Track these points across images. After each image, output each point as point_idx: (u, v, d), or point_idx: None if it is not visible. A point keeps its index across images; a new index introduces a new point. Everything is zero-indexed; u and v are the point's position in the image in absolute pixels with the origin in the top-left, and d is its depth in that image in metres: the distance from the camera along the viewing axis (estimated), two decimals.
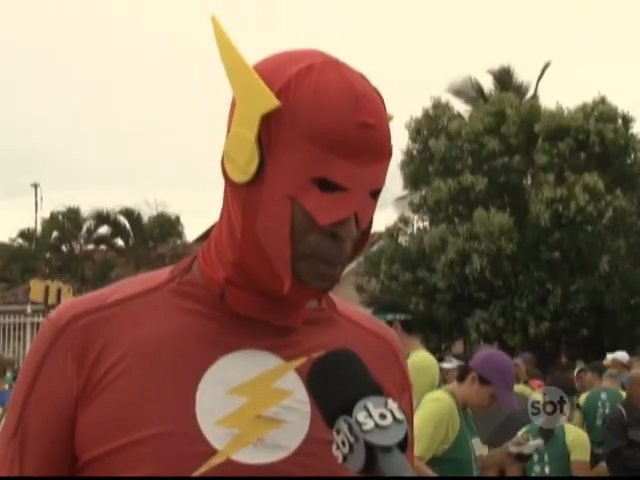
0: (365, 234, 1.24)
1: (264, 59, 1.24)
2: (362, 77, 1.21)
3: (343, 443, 1.02)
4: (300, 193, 1.17)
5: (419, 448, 4.22)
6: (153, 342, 1.22)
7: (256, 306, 1.25)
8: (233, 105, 1.23)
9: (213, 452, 1.18)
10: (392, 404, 1.03)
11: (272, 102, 1.17)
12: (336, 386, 1.06)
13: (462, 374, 4.51)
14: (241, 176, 1.19)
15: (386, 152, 1.20)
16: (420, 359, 5.11)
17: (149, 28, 55.88)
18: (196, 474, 1.16)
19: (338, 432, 1.03)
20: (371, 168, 1.18)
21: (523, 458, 4.55)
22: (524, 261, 19.04)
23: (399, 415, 1.02)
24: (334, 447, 1.03)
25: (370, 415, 1.01)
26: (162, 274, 1.30)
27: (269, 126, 1.18)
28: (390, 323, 5.16)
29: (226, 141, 1.22)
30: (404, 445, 1.02)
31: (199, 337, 1.23)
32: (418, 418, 4.27)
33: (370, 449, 1.00)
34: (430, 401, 4.45)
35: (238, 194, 1.21)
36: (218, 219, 1.29)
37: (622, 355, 10.24)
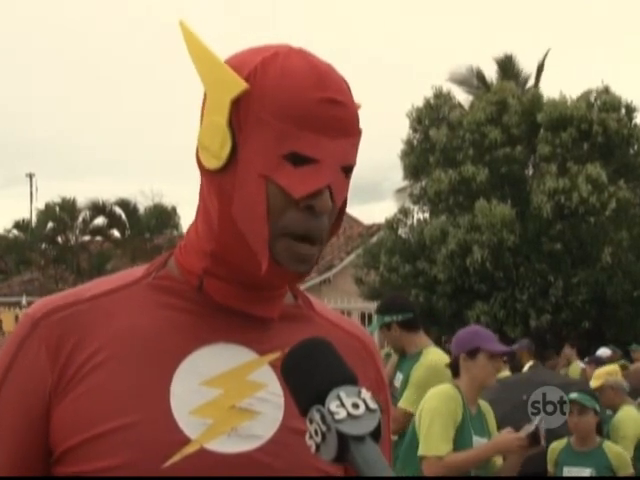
0: (340, 216, 1.27)
1: (232, 54, 1.28)
2: (329, 64, 1.26)
3: (316, 432, 1.02)
4: (273, 171, 1.20)
5: (440, 449, 4.12)
6: (129, 334, 1.24)
7: (235, 296, 1.27)
8: (205, 99, 1.27)
9: (187, 441, 1.20)
10: (365, 393, 1.04)
11: (240, 86, 1.22)
12: (309, 374, 1.06)
13: (455, 369, 4.33)
14: (215, 162, 1.23)
15: (354, 128, 1.24)
16: (435, 359, 4.89)
17: (149, 20, 55.78)
18: (170, 462, 1.18)
19: (311, 421, 1.03)
20: (339, 142, 1.22)
21: (537, 438, 4.26)
22: (525, 253, 18.89)
23: (372, 405, 1.03)
24: (307, 436, 1.03)
25: (343, 404, 1.02)
26: (138, 270, 1.33)
27: (239, 110, 1.22)
28: (388, 325, 5.04)
29: (199, 132, 1.26)
30: (377, 435, 1.02)
31: (175, 330, 1.26)
32: (424, 415, 4.19)
33: (343, 438, 1.01)
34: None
35: (213, 181, 1.25)
36: (194, 216, 1.31)
37: (604, 351, 11.35)
